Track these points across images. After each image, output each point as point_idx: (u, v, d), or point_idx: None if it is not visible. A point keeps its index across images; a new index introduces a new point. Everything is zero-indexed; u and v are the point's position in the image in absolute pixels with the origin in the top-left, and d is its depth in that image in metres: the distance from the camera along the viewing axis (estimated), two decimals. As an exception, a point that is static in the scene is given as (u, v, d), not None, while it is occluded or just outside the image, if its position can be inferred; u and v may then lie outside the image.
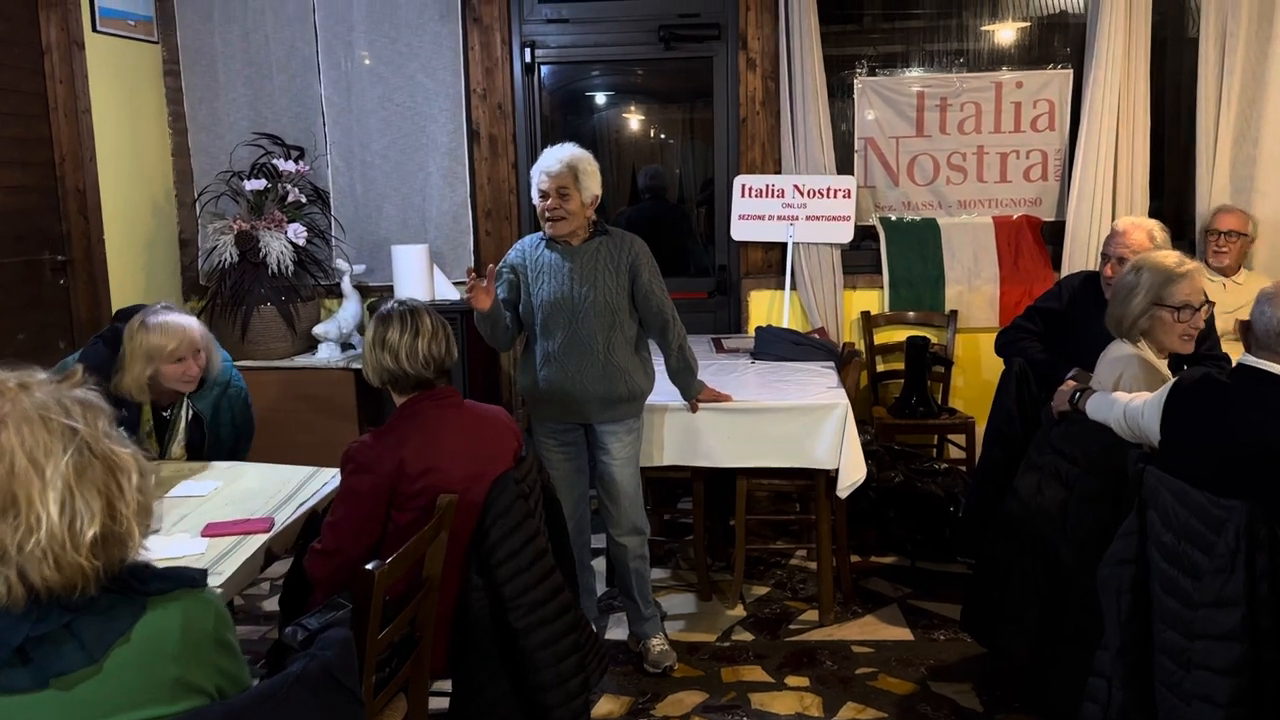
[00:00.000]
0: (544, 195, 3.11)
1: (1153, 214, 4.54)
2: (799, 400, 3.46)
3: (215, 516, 2.59)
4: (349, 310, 4.75)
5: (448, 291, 4.67)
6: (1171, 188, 4.87)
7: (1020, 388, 3.40)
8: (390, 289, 4.68)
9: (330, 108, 4.88)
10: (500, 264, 3.23)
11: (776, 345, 4.17)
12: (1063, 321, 3.49)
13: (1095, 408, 2.69)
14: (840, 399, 3.43)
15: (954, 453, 4.77)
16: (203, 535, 2.47)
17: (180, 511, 2.67)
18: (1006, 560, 2.95)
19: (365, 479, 2.32)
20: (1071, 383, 2.89)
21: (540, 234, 3.22)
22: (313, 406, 4.64)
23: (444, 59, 4.80)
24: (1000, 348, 3.60)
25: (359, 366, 4.68)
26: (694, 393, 3.38)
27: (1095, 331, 3.30)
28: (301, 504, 2.70)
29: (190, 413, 3.11)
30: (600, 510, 3.37)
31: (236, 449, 3.25)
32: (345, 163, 4.92)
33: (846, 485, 3.38)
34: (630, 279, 3.19)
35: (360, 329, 4.78)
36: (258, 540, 2.45)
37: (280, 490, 2.80)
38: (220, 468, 3.00)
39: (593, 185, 3.14)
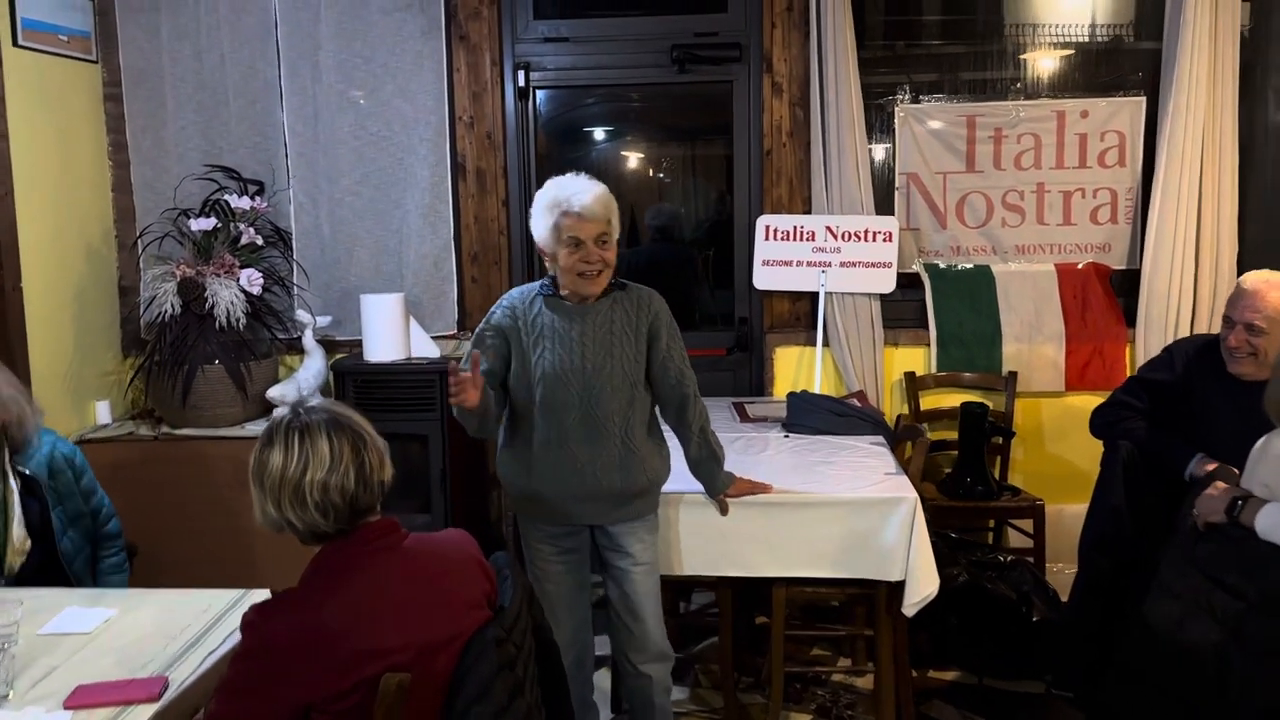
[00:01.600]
0: (576, 244, 2.45)
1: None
2: (854, 491, 2.80)
3: (91, 673, 1.91)
4: (311, 369, 4.09)
5: (426, 347, 4.02)
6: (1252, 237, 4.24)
7: (1128, 478, 2.74)
8: (359, 344, 4.02)
9: (294, 137, 4.25)
10: (482, 325, 2.59)
11: (813, 415, 3.52)
12: (1176, 396, 2.85)
13: (1271, 525, 2.03)
14: (906, 490, 2.77)
15: (1014, 538, 4.10)
16: (66, 707, 1.79)
17: (50, 660, 1.99)
18: (1135, 713, 2.28)
19: (257, 671, 1.62)
20: (1222, 486, 2.24)
21: (536, 286, 2.59)
22: (267, 482, 3.95)
23: (425, 82, 4.18)
24: (1099, 428, 2.96)
25: (321, 435, 4.03)
26: (722, 487, 2.72)
27: (1218, 410, 2.68)
28: (212, 652, 2.02)
29: (20, 481, 2.47)
30: (613, 634, 2.68)
31: (99, 529, 2.77)
32: (310, 199, 4.28)
33: (915, 602, 2.72)
34: (648, 343, 2.57)
35: (325, 391, 4.11)
36: (142, 715, 1.77)
37: (188, 629, 2.12)
38: (116, 594, 2.32)
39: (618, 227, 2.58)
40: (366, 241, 4.27)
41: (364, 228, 4.27)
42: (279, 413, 1.78)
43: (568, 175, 2.53)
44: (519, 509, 2.69)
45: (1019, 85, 4.22)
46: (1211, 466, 2.61)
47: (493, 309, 2.59)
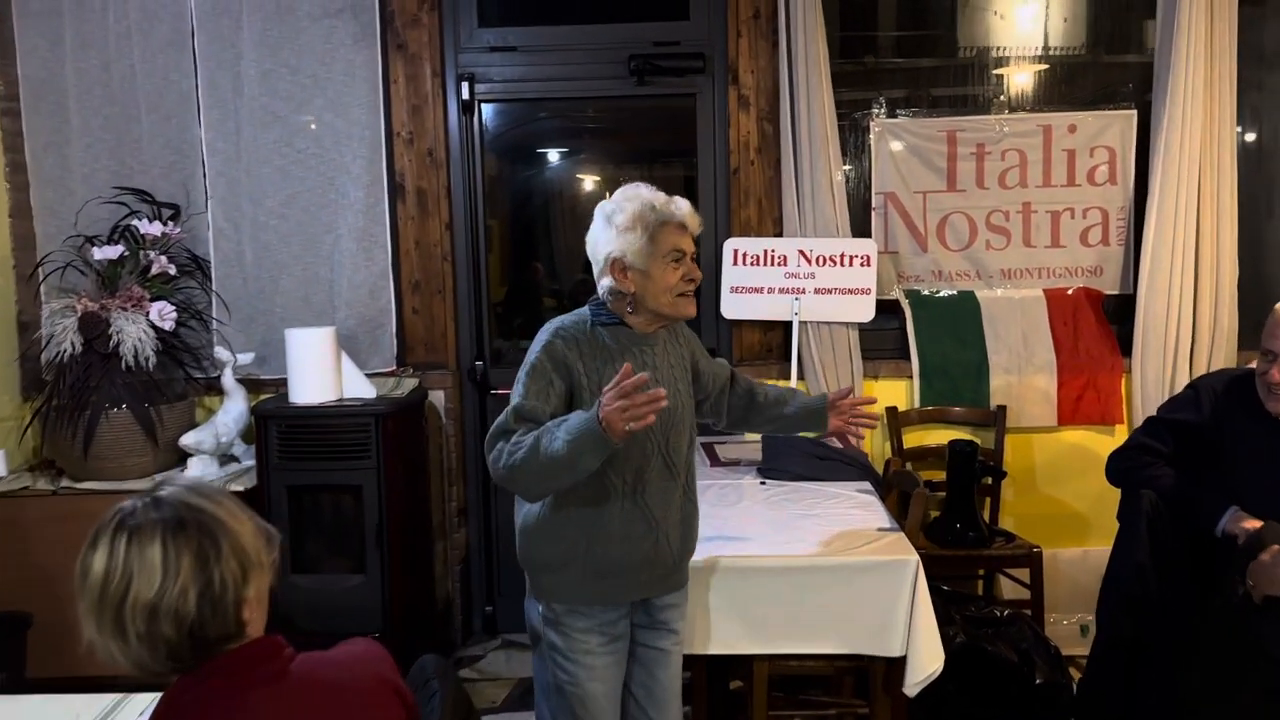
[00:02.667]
0: (679, 258, 2.11)
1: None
2: (845, 553, 2.45)
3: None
4: (231, 412, 3.67)
5: (360, 387, 3.61)
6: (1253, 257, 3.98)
7: (1153, 532, 2.42)
8: (286, 383, 3.60)
9: (213, 155, 3.85)
10: (538, 357, 2.08)
11: (792, 459, 3.17)
12: (1203, 439, 2.54)
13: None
14: (906, 552, 2.43)
15: (1006, 586, 3.77)
16: None
17: None
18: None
19: None
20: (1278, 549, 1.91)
21: (586, 314, 2.16)
22: (181, 539, 3.52)
23: (359, 94, 3.81)
24: (1117, 475, 2.64)
25: (244, 486, 3.61)
26: (823, 401, 2.49)
27: (1253, 455, 2.37)
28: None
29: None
30: None
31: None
32: (231, 224, 3.87)
33: (918, 681, 2.37)
34: (693, 374, 2.33)
35: (247, 436, 3.69)
36: None
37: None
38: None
39: None
40: (294, 269, 3.87)
41: (291, 254, 3.86)
42: (122, 504, 1.36)
43: (639, 185, 2.15)
44: (560, 595, 2.15)
45: (1002, 98, 3.93)
46: (1251, 524, 2.30)
47: (542, 340, 2.10)
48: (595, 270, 2.14)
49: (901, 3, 4.03)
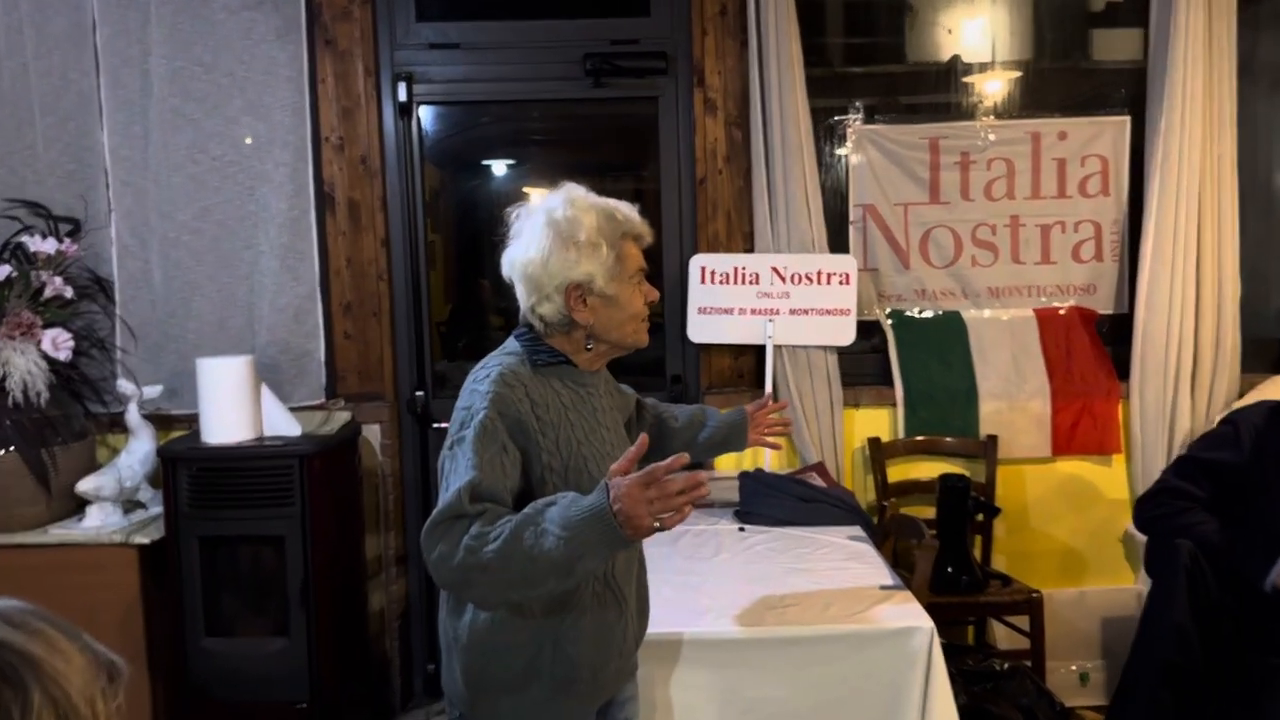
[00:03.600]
0: (643, 276, 1.76)
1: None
2: (847, 619, 2.09)
3: None
4: (136, 453, 3.23)
5: (283, 424, 3.20)
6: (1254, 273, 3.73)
7: (1193, 588, 2.11)
8: (196, 418, 3.18)
9: (117, 163, 3.42)
10: (487, 415, 1.60)
11: (774, 501, 2.83)
12: (1246, 480, 2.24)
13: None
14: (918, 617, 2.08)
15: (1001, 632, 3.46)
16: None
17: None
18: None
19: None
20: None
21: (517, 353, 1.72)
22: (78, 600, 3.06)
23: (282, 95, 3.41)
24: (1150, 523, 2.35)
25: (150, 538, 3.18)
26: (743, 416, 2.23)
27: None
28: None
29: None
30: None
31: None
32: (138, 240, 3.44)
33: (936, 770, 2.01)
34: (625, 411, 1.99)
35: (156, 480, 3.26)
36: None
37: None
38: None
39: None
40: (208, 290, 3.44)
41: (205, 273, 3.44)
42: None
43: (575, 188, 1.75)
44: (519, 712, 1.69)
45: (988, 103, 3.65)
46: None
47: (485, 390, 1.62)
48: (528, 297, 1.71)
49: (877, 5, 3.73)
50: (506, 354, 1.73)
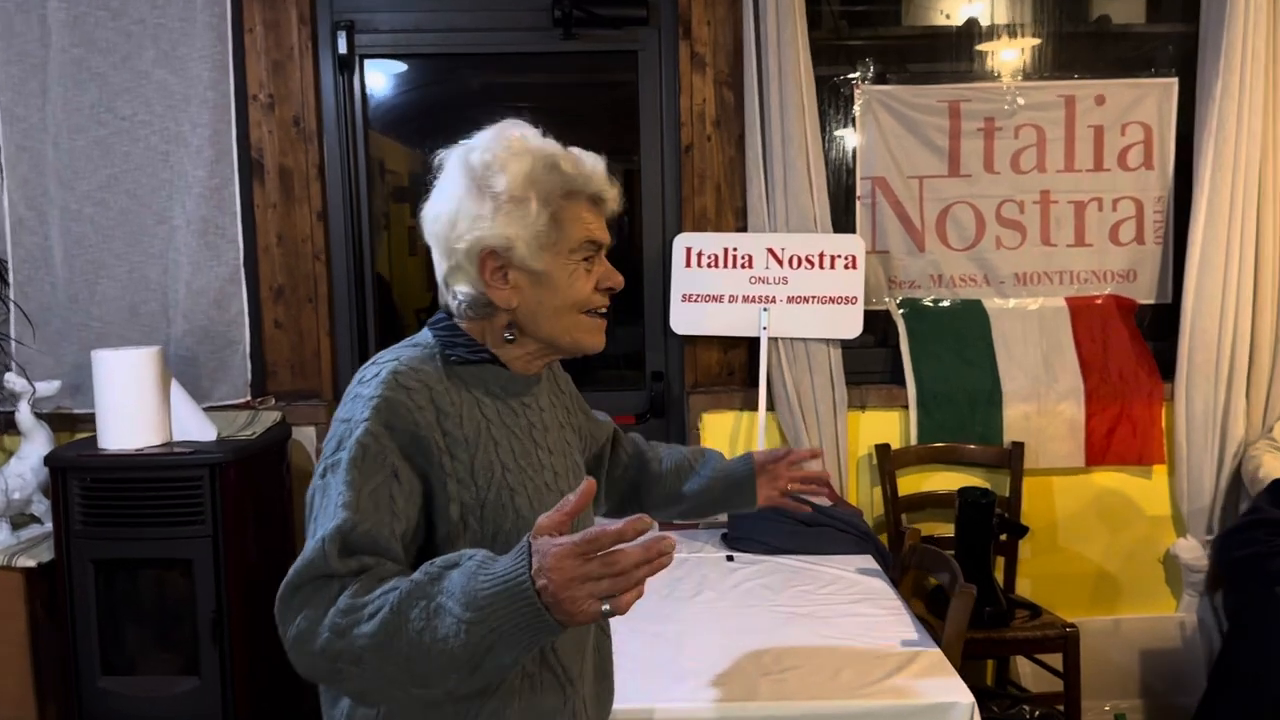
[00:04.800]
0: (593, 251, 1.28)
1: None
2: (864, 691, 1.65)
3: None
4: (28, 460, 2.80)
5: (196, 427, 2.74)
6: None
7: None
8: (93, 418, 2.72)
9: (11, 124, 2.95)
10: (367, 433, 1.15)
11: (767, 525, 2.38)
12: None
13: None
14: (956, 691, 1.63)
15: (1026, 667, 3.03)
16: None
17: None
18: None
19: None
20: None
21: (427, 347, 1.27)
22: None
23: (200, 45, 2.94)
24: (1239, 563, 1.92)
25: (38, 560, 2.72)
26: (747, 467, 1.60)
27: None
28: None
29: None
30: None
31: None
32: (35, 212, 2.98)
33: None
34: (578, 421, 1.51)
35: (46, 490, 2.80)
36: None
37: None
38: None
39: None
40: (117, 272, 2.98)
41: (113, 252, 2.97)
42: None
43: (516, 124, 1.28)
44: None
45: (1016, 63, 3.19)
46: None
47: (368, 396, 1.18)
48: (440, 267, 1.28)
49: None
50: (411, 345, 1.28)
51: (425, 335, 1.29)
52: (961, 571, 2.47)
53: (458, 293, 1.26)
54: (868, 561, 2.26)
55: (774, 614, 1.97)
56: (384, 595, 1.04)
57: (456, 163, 1.24)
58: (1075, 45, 3.18)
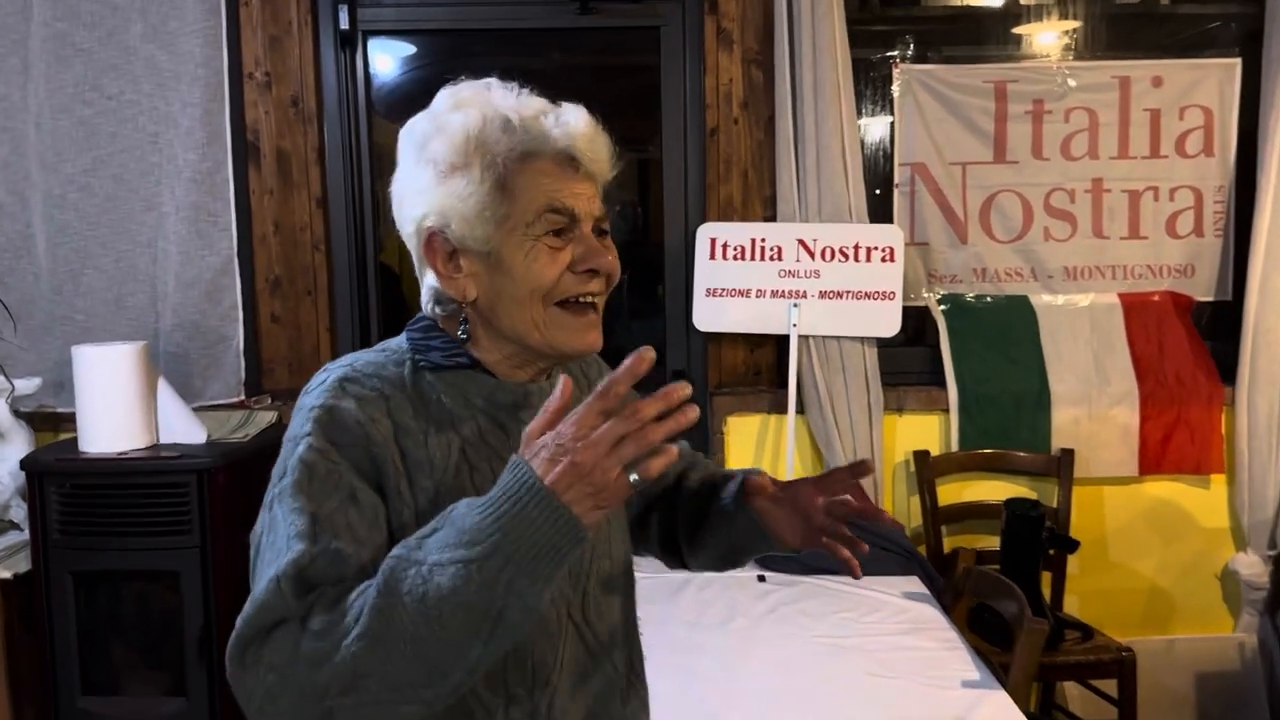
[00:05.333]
0: (566, 228, 1.00)
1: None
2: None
3: None
4: (8, 461, 2.62)
5: (184, 429, 2.55)
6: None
7: None
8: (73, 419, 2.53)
9: (-9, 101, 2.77)
10: (304, 448, 0.94)
11: (802, 542, 2.17)
12: None
13: None
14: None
15: (1072, 693, 2.82)
16: None
17: None
18: None
19: None
20: None
21: (400, 351, 1.05)
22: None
23: (192, 20, 2.74)
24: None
25: (10, 572, 2.53)
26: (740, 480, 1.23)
27: None
28: None
29: None
30: None
31: None
32: (17, 197, 2.79)
33: None
34: None
35: (24, 494, 2.61)
36: None
37: None
38: None
39: None
40: (103, 261, 2.79)
41: (99, 240, 2.78)
42: None
43: (480, 84, 1.05)
44: None
45: (1068, 41, 2.97)
46: None
47: (313, 405, 0.98)
48: (414, 257, 1.08)
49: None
50: (378, 349, 1.07)
51: (399, 339, 1.08)
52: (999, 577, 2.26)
53: (426, 286, 1.06)
54: (915, 584, 2.05)
55: (816, 647, 1.77)
56: (363, 592, 0.86)
57: (405, 132, 1.04)
58: (1131, 22, 2.97)
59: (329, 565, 0.90)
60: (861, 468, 1.14)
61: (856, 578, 1.14)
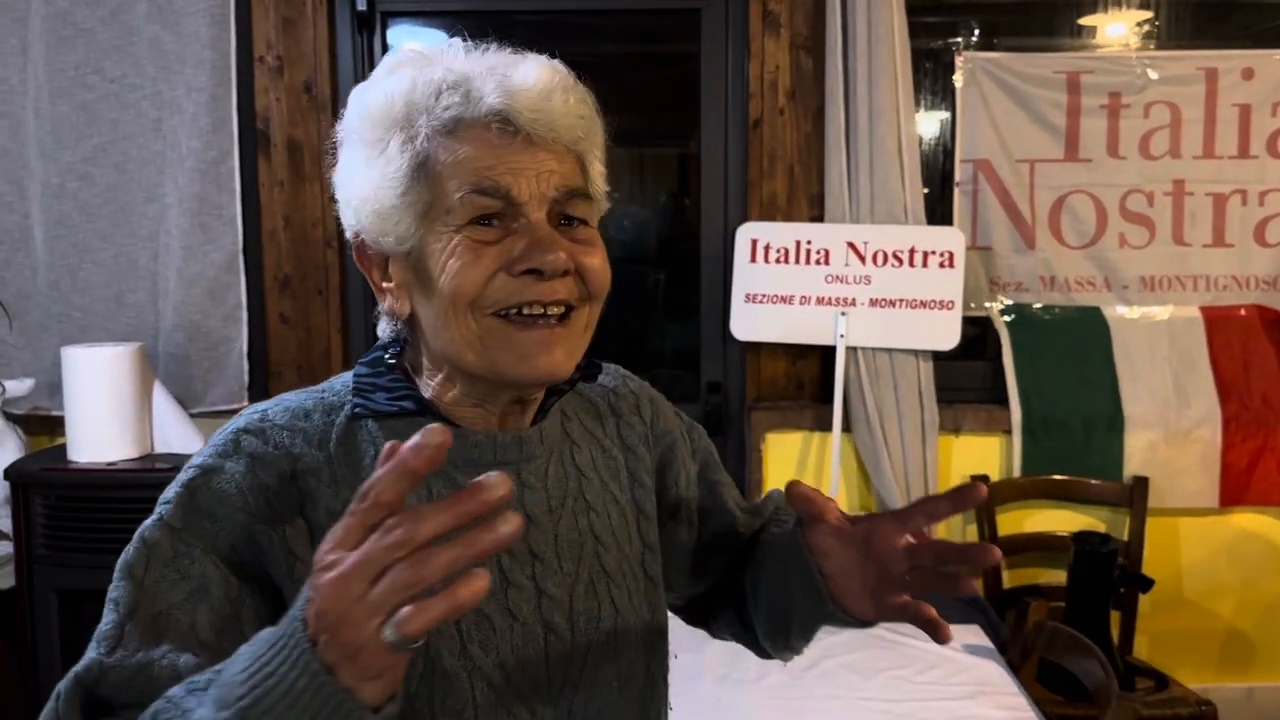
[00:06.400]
0: (491, 211, 0.76)
1: None
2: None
3: None
4: (-4, 468, 2.44)
5: (182, 437, 2.38)
6: None
7: None
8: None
9: (-11, 85, 2.61)
10: (154, 522, 0.77)
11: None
12: None
13: None
14: None
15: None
16: None
17: None
18: None
19: None
20: None
21: (326, 394, 0.84)
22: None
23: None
24: None
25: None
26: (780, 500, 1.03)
27: None
28: None
29: None
30: None
31: None
32: (14, 187, 2.63)
33: None
34: (659, 484, 0.96)
35: (9, 503, 2.44)
36: None
37: None
38: None
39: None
40: (102, 255, 2.62)
41: (98, 233, 2.61)
42: None
43: (432, 46, 0.82)
44: None
45: (1149, 28, 2.71)
46: None
47: (189, 466, 0.79)
48: None
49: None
50: (315, 390, 0.85)
51: (344, 376, 0.86)
52: (1070, 626, 2.01)
53: (380, 308, 0.85)
54: (977, 635, 1.82)
55: (862, 712, 1.54)
56: None
57: (345, 111, 0.83)
58: (1220, 8, 2.70)
59: (127, 680, 0.69)
60: (969, 495, 0.78)
61: (943, 642, 0.80)
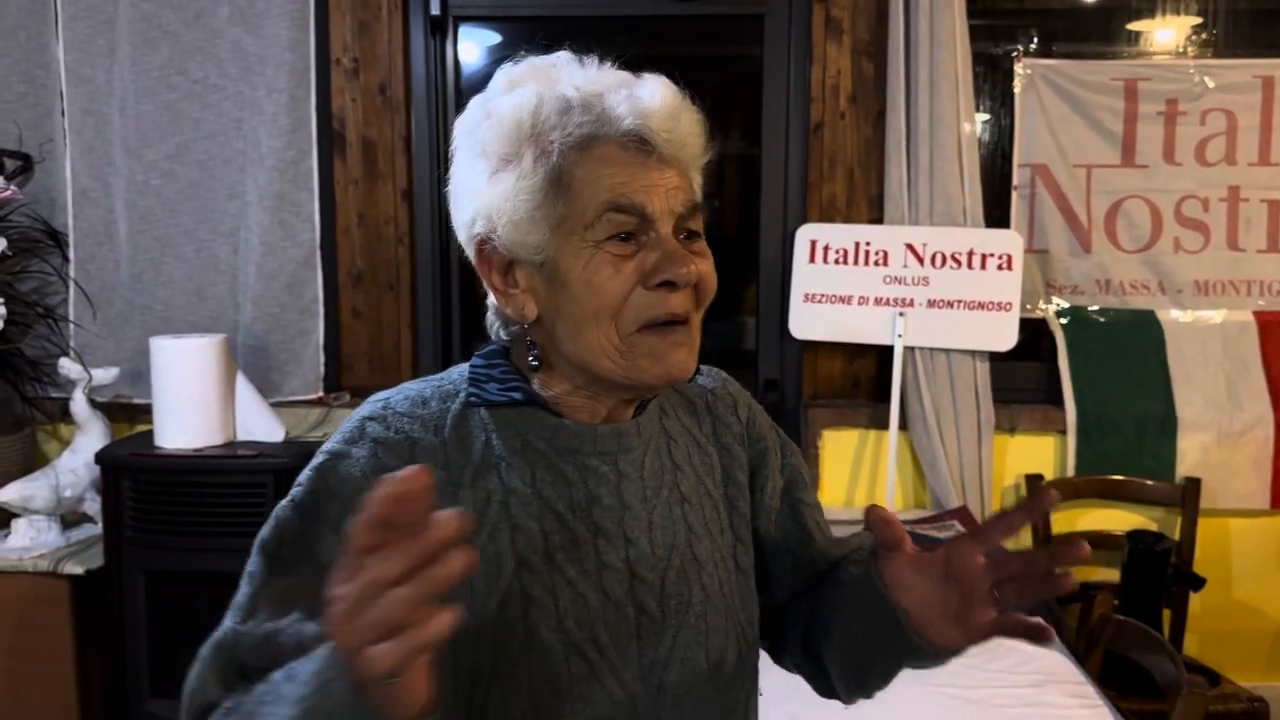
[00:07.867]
0: (636, 231, 0.82)
1: None
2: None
3: None
4: (82, 453, 2.54)
5: (262, 425, 2.47)
6: None
7: None
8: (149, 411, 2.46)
9: (76, 86, 2.71)
10: (288, 506, 0.84)
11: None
12: None
13: None
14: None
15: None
16: None
17: None
18: None
19: None
20: None
21: (454, 385, 0.89)
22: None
23: (280, 3, 2.65)
24: None
25: (84, 568, 2.47)
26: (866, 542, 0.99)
27: None
28: None
29: None
30: None
31: None
32: (99, 182, 2.73)
33: None
34: (753, 489, 0.99)
35: (98, 486, 2.54)
36: None
37: None
38: None
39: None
40: (184, 250, 2.72)
41: (180, 228, 2.71)
42: None
43: (551, 59, 0.88)
44: None
45: (1205, 36, 2.75)
46: None
47: (322, 453, 0.86)
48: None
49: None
50: (433, 380, 0.91)
51: (461, 368, 0.92)
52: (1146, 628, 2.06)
53: (489, 304, 0.91)
54: (1058, 663, 1.86)
55: (939, 699, 1.61)
56: (245, 700, 0.73)
57: (459, 120, 0.89)
58: (1275, 16, 2.73)
59: (257, 647, 0.76)
60: (1041, 503, 0.83)
61: (1046, 641, 0.81)
